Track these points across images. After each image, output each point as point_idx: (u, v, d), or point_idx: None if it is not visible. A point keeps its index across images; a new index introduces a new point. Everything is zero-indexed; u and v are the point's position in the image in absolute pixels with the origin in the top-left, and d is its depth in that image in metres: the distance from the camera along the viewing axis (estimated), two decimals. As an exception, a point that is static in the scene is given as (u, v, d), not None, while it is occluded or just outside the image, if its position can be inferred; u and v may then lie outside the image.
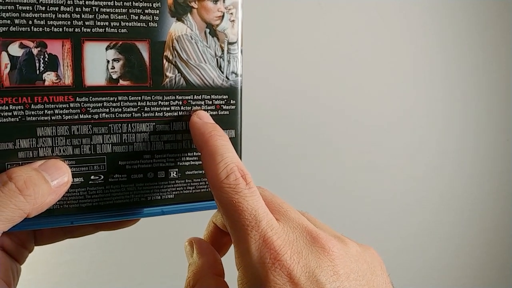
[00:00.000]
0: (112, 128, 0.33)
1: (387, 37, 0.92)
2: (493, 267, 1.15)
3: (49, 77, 0.31)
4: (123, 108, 0.33)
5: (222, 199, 0.29)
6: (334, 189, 0.93)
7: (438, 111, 1.02)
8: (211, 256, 0.34)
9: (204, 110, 0.35)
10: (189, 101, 0.34)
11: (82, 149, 0.32)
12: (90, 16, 0.31)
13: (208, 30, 0.34)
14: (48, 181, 0.29)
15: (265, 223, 0.28)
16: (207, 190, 0.36)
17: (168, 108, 0.34)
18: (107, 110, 0.32)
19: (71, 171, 0.32)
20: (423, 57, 0.97)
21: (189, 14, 0.33)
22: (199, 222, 0.68)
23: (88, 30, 0.31)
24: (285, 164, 0.87)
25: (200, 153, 0.32)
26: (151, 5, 0.32)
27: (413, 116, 0.99)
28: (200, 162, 0.35)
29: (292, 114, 0.86)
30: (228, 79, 0.35)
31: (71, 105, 0.31)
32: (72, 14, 0.30)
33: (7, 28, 0.29)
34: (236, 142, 0.36)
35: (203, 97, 0.35)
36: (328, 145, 0.91)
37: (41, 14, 0.30)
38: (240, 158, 0.37)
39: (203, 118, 0.34)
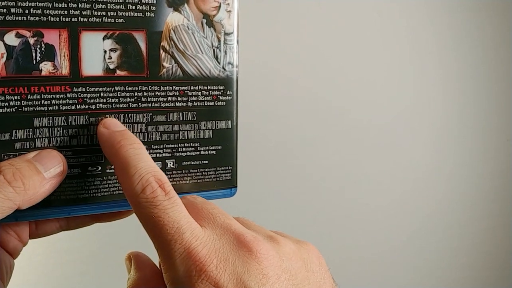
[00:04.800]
0: None
1: (387, 37, 0.92)
2: (493, 267, 1.15)
3: (46, 67, 0.31)
4: (120, 98, 0.33)
5: (142, 216, 0.28)
6: (332, 188, 0.93)
7: (438, 111, 1.02)
8: (148, 270, 0.32)
9: (200, 100, 0.35)
10: (186, 91, 0.34)
11: (79, 140, 0.32)
12: (87, 6, 0.31)
13: (205, 21, 0.34)
14: (41, 171, 0.29)
15: (188, 234, 0.27)
16: (204, 181, 0.36)
17: (165, 99, 0.34)
18: (104, 100, 0.32)
19: (69, 162, 0.32)
20: (423, 57, 0.97)
21: (186, 4, 0.33)
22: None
23: (85, 19, 0.31)
24: (280, 161, 0.87)
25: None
26: None
27: (412, 116, 0.99)
28: (197, 153, 0.35)
29: (288, 110, 0.86)
30: (224, 69, 0.35)
31: (68, 95, 0.31)
32: (69, 4, 0.30)
33: (3, 17, 0.29)
34: (232, 134, 0.36)
35: (200, 87, 0.35)
36: (324, 143, 0.91)
37: (37, 3, 0.30)
38: (236, 149, 0.37)
39: (110, 127, 0.32)
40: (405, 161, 1.00)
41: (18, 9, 0.29)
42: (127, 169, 0.28)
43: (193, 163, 0.35)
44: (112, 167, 0.33)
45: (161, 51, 0.33)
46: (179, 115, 0.34)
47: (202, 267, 0.26)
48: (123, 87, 0.33)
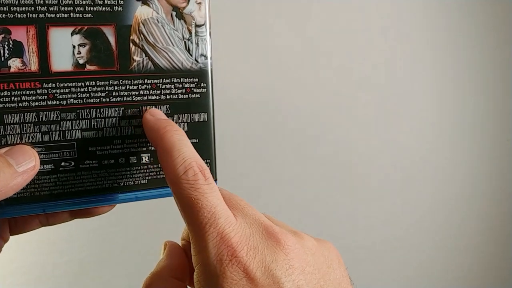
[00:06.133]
0: (80, 113, 0.33)
1: (386, 36, 0.92)
2: (493, 267, 1.14)
3: (15, 64, 0.31)
4: (91, 93, 0.33)
5: (181, 196, 0.29)
6: (327, 186, 0.93)
7: (438, 111, 1.01)
8: (175, 259, 0.34)
9: (173, 93, 0.35)
10: (158, 85, 0.34)
11: (51, 136, 0.32)
12: (54, 2, 0.31)
13: (174, 13, 0.34)
14: (13, 165, 0.29)
15: (223, 220, 0.28)
16: None
17: (137, 93, 0.34)
18: (75, 95, 0.32)
19: (41, 158, 0.32)
20: (422, 56, 0.97)
21: (154, -3, 0.33)
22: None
23: (53, 15, 0.31)
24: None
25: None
26: None
27: (412, 116, 0.99)
28: None
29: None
30: (197, 62, 0.35)
31: (38, 91, 0.31)
32: (36, 0, 0.31)
33: None
34: (208, 126, 0.36)
35: (172, 80, 0.34)
36: (319, 143, 0.90)
37: (3, 0, 0.30)
38: (214, 142, 0.37)
39: (156, 115, 0.33)
40: (404, 160, 0.99)
41: None
42: (171, 152, 0.30)
43: None
44: (86, 162, 0.33)
45: (131, 44, 0.33)
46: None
47: (234, 253, 0.27)
48: (93, 82, 0.32)
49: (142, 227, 0.78)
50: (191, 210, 0.28)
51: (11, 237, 0.37)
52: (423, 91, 0.99)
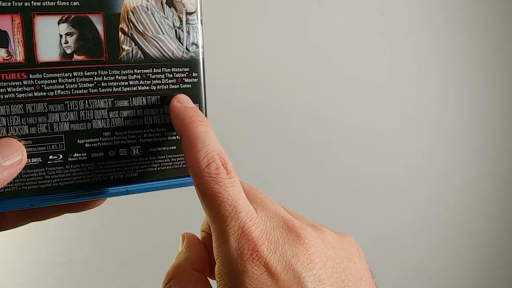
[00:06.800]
0: (68, 105, 0.32)
1: (385, 36, 0.92)
2: (493, 267, 1.13)
3: None
4: (79, 84, 0.32)
5: (202, 189, 0.29)
6: (326, 186, 0.92)
7: (438, 111, 1.01)
8: (195, 252, 0.33)
9: (164, 83, 0.34)
10: (148, 75, 0.33)
11: (38, 128, 0.31)
12: None
13: (164, 1, 0.33)
14: None
15: (244, 214, 0.28)
16: (172, 167, 0.35)
17: (127, 83, 0.33)
18: (62, 86, 0.31)
19: (28, 151, 0.31)
20: (422, 57, 0.97)
21: (143, -15, 0.32)
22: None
23: (38, 3, 0.30)
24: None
25: (180, 137, 0.32)
26: None
27: (412, 116, 0.98)
28: (164, 138, 0.34)
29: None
30: (188, 50, 0.34)
31: (24, 82, 0.30)
32: None
33: None
34: None
35: (163, 70, 0.34)
36: (317, 139, 0.89)
37: None
38: None
39: (183, 102, 0.33)
40: (404, 161, 0.99)
41: None
42: (195, 143, 0.30)
43: (160, 149, 0.34)
44: (74, 155, 0.32)
45: (120, 33, 0.32)
46: (142, 99, 0.33)
47: (255, 247, 0.27)
48: (81, 72, 0.32)
49: (143, 227, 0.78)
50: (212, 203, 0.28)
51: (3, 233, 0.36)
52: (424, 92, 0.98)
